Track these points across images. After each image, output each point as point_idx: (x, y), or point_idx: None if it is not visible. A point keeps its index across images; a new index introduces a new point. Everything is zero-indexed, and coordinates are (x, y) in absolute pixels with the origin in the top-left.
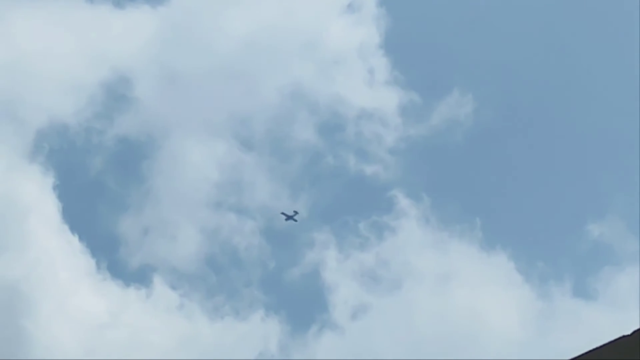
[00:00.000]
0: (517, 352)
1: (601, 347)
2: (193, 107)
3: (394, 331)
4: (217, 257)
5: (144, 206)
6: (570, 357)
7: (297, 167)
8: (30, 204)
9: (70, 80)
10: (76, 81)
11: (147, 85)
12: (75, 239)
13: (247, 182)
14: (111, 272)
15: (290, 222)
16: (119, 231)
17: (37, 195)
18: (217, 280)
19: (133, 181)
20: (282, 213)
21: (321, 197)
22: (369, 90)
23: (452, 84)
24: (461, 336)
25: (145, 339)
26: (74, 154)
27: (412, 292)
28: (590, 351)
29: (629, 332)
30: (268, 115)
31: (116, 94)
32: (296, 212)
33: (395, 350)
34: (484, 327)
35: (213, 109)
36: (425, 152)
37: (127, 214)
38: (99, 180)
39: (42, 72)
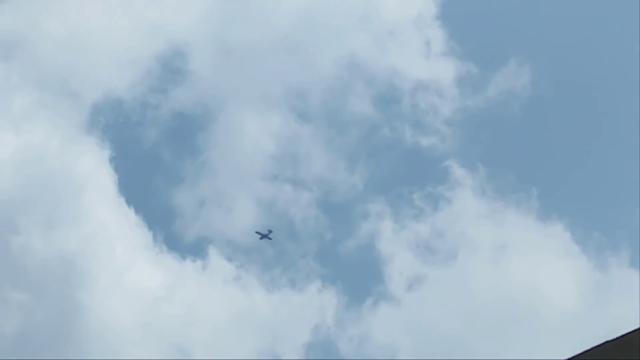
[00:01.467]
0: (574, 324)
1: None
2: (249, 80)
3: (450, 302)
4: (273, 229)
5: (200, 178)
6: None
7: (353, 139)
8: (87, 178)
9: (125, 54)
10: (132, 55)
11: (203, 58)
12: (131, 212)
13: (303, 154)
14: (167, 245)
15: (265, 240)
16: (175, 204)
17: (93, 169)
18: (274, 252)
19: (189, 153)
20: (257, 232)
21: (377, 168)
22: (425, 61)
23: (509, 54)
24: (517, 307)
25: (201, 313)
26: (130, 128)
27: (468, 263)
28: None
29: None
30: (324, 87)
31: (171, 68)
32: (270, 231)
33: (451, 322)
34: (541, 298)
35: (269, 82)
36: (481, 123)
37: (182, 187)
38: (155, 152)
39: (98, 46)
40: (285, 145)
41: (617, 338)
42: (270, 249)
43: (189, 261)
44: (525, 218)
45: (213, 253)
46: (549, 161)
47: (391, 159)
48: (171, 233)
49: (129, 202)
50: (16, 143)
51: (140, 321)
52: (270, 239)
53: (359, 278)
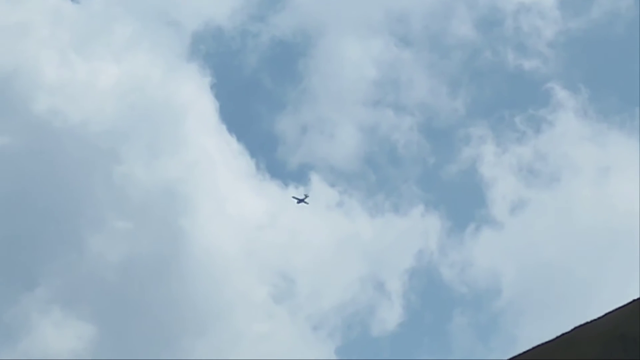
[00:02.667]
0: None
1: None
2: (349, 5)
3: (553, 225)
4: (375, 155)
5: (302, 105)
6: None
7: (454, 63)
8: (188, 106)
9: None
10: None
11: None
12: (233, 140)
13: (404, 79)
14: (270, 172)
15: (302, 204)
16: (277, 130)
17: (194, 97)
18: (376, 177)
19: (289, 80)
20: (293, 197)
21: (479, 92)
22: None
23: None
24: (621, 230)
25: (304, 239)
26: (230, 55)
27: (571, 186)
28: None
29: None
30: (425, 11)
31: None
32: (307, 195)
33: (554, 245)
34: None
35: (369, 6)
36: (584, 44)
37: (284, 113)
38: (256, 80)
39: None
40: (387, 71)
41: (565, 334)
42: (373, 174)
43: (291, 188)
44: (629, 139)
45: (315, 179)
46: None
47: (493, 83)
48: (273, 160)
49: (231, 130)
50: (118, 73)
51: (243, 249)
52: (307, 203)
53: (462, 202)
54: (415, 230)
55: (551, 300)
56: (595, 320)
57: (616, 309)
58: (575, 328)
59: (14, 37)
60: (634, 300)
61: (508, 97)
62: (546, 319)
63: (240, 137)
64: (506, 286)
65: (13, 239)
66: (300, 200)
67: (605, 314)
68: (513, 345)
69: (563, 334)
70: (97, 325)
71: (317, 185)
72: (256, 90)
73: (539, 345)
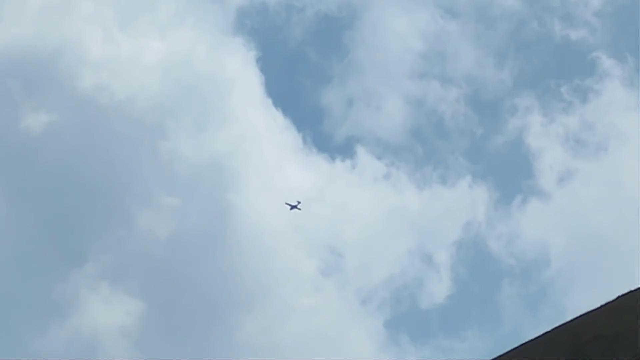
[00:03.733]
0: None
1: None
2: None
3: (601, 195)
4: (422, 127)
5: (347, 78)
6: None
7: (501, 34)
8: (234, 80)
9: None
10: None
11: None
12: (279, 114)
13: (450, 51)
14: (316, 146)
15: (295, 210)
16: (323, 104)
17: (239, 71)
18: (423, 149)
19: (335, 53)
20: (287, 203)
21: (525, 63)
22: None
23: None
24: None
25: (352, 213)
26: (275, 30)
27: (618, 155)
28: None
29: None
30: None
31: None
32: (299, 202)
33: (602, 215)
34: None
35: None
36: (631, 13)
37: (330, 86)
38: (301, 53)
39: None
40: (433, 42)
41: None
42: (420, 147)
43: (338, 161)
44: None
45: (362, 152)
46: None
47: (539, 53)
48: (320, 134)
49: (277, 104)
50: (163, 49)
51: (291, 223)
52: (299, 209)
53: (509, 174)
54: (462, 202)
55: (599, 270)
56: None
57: None
58: (619, 297)
59: (58, 14)
60: None
61: (554, 67)
62: (594, 289)
63: (286, 111)
64: (555, 257)
65: (62, 216)
66: (293, 207)
67: None
68: (562, 314)
69: (607, 303)
70: (145, 301)
71: (364, 158)
72: (302, 64)
73: (584, 314)
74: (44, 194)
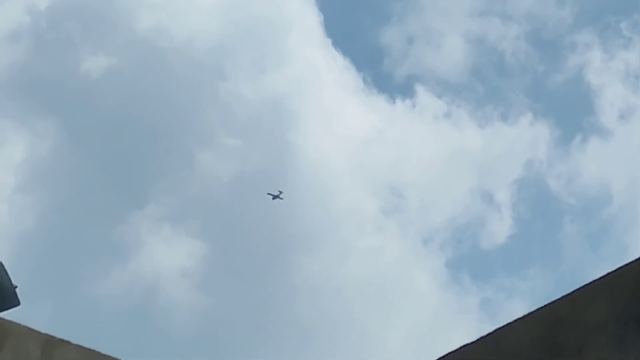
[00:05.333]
0: None
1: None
2: None
3: None
4: (482, 65)
5: (407, 16)
6: None
7: None
8: (292, 19)
9: None
10: None
11: None
12: (338, 54)
13: None
14: (376, 86)
15: (277, 200)
16: (382, 43)
17: (298, 10)
18: (484, 87)
19: None
20: (268, 193)
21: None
22: None
23: None
24: None
25: (412, 153)
26: None
27: None
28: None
29: None
30: None
31: None
32: (281, 192)
33: None
34: None
35: None
36: None
37: (389, 25)
38: None
39: None
40: None
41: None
42: (481, 85)
43: (398, 101)
44: None
45: (422, 91)
46: None
47: None
48: (379, 73)
49: (336, 44)
50: None
51: (351, 163)
52: (281, 199)
53: (570, 111)
54: (523, 140)
55: None
56: None
57: None
58: None
59: None
60: None
61: (613, 4)
62: None
63: (345, 52)
64: (616, 194)
65: (123, 159)
66: (275, 197)
67: None
68: (624, 253)
69: None
70: (207, 242)
71: (424, 97)
72: (361, 3)
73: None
74: (105, 137)
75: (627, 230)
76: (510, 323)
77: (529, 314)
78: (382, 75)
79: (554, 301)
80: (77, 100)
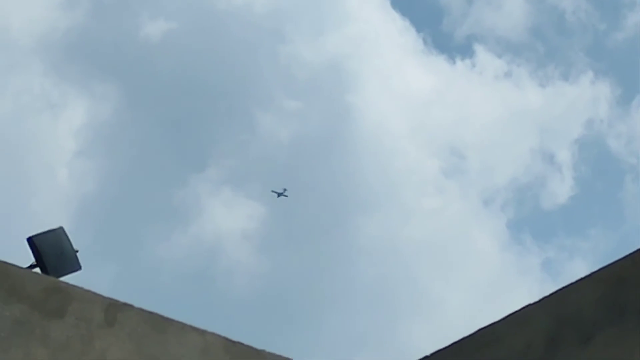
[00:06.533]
0: None
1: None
2: None
3: None
4: (543, 24)
5: None
6: None
7: None
8: None
9: None
10: None
11: None
12: (397, 16)
13: None
14: (436, 47)
15: (282, 197)
16: (442, 2)
17: None
18: (545, 47)
19: None
20: (273, 191)
21: None
22: None
23: None
24: None
25: (473, 113)
26: None
27: None
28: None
29: None
30: None
31: None
32: (285, 189)
33: None
34: None
35: None
36: None
37: None
38: None
39: None
40: None
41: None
42: (541, 44)
43: (458, 61)
44: None
45: (482, 51)
46: None
47: None
48: (439, 34)
49: (394, 4)
50: None
51: (411, 125)
52: (286, 196)
53: (630, 70)
54: (584, 99)
55: None
56: None
57: None
58: None
59: None
60: None
61: None
62: None
63: (404, 12)
64: None
65: (183, 122)
66: (280, 194)
67: None
68: None
69: None
70: (267, 204)
71: (484, 56)
72: None
73: None
74: (165, 100)
75: None
76: (572, 283)
77: (591, 274)
78: (442, 36)
79: (617, 261)
80: (137, 64)
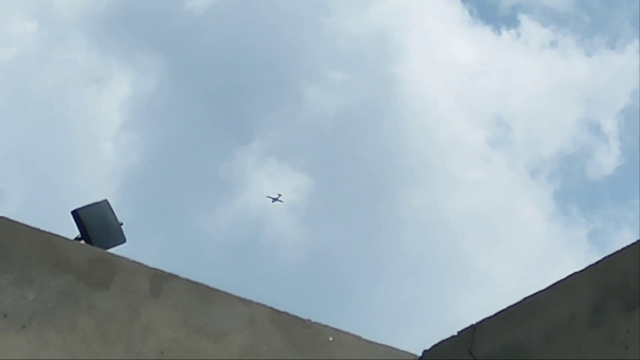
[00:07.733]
0: None
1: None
2: None
3: None
4: None
5: None
6: None
7: None
8: None
9: None
10: None
11: None
12: None
13: None
14: (481, 17)
15: (277, 202)
16: None
17: None
18: (590, 16)
19: None
20: (268, 196)
21: None
22: None
23: None
24: None
25: (519, 84)
26: None
27: None
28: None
29: None
30: None
31: None
32: (280, 194)
33: None
34: None
35: None
36: None
37: None
38: None
39: None
40: None
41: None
42: (587, 13)
43: (503, 31)
44: None
45: (527, 20)
46: None
47: None
48: (484, 5)
49: None
50: None
51: (457, 96)
52: (281, 201)
53: None
54: (630, 68)
55: None
56: None
57: None
58: None
59: None
60: None
61: None
62: None
63: None
64: None
65: (228, 94)
66: (274, 199)
67: None
68: None
69: None
70: (312, 176)
71: (529, 26)
72: None
73: None
74: (210, 73)
75: None
76: (617, 252)
77: (637, 241)
78: (487, 6)
79: None
80: (182, 37)
